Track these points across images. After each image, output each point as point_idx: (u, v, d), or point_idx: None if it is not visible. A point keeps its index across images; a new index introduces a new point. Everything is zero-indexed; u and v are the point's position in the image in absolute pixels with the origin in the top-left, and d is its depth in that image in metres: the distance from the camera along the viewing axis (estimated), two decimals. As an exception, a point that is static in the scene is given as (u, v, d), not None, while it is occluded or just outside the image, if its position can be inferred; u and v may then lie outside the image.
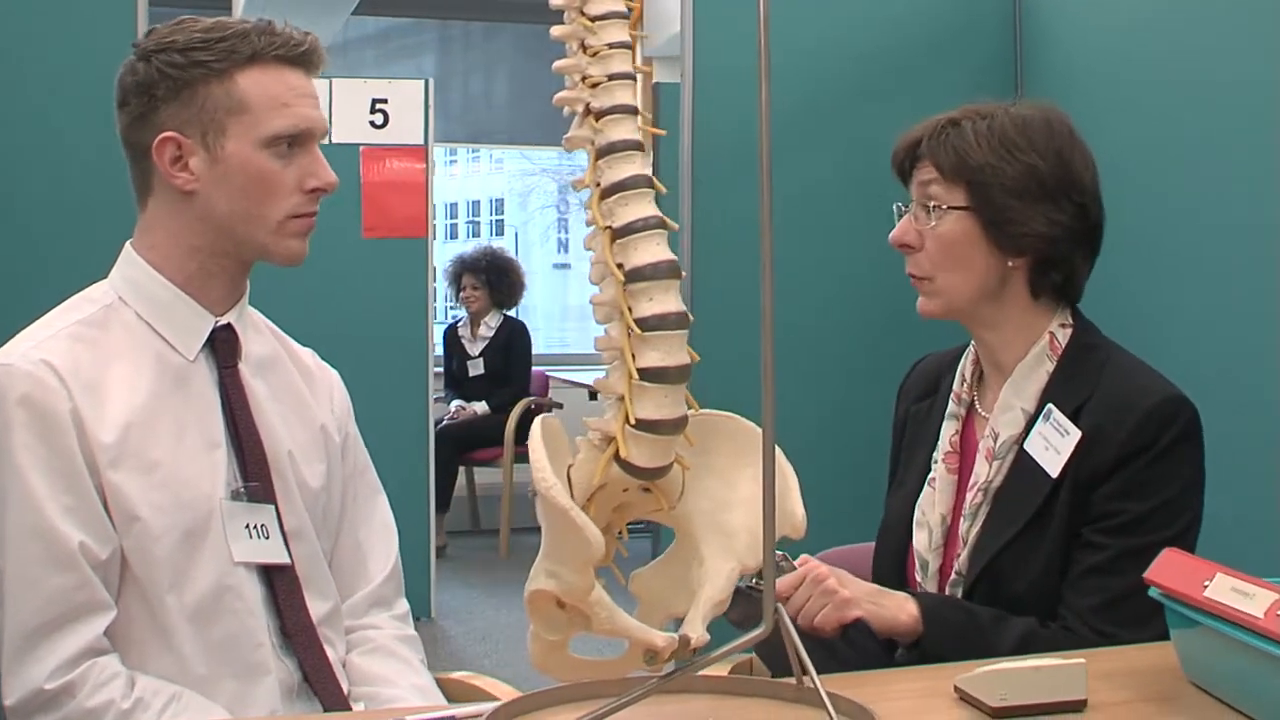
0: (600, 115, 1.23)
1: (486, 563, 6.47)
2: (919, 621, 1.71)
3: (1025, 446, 1.79)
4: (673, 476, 1.26)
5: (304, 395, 1.83)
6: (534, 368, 7.12)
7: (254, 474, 1.70)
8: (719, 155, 3.39)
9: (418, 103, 5.02)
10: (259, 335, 1.81)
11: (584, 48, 1.25)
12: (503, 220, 9.57)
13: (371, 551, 1.88)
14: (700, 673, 1.30)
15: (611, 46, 1.23)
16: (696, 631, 1.24)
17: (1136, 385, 1.78)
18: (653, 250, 1.21)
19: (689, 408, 1.23)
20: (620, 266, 1.21)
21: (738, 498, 1.31)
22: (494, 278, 6.89)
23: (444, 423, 6.51)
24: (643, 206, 1.22)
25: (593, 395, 6.71)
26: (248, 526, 1.67)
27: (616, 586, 1.31)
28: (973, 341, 1.93)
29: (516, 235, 9.33)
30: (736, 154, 3.33)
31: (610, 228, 1.21)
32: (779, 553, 1.73)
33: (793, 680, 1.38)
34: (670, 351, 1.20)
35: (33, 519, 1.54)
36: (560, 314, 8.09)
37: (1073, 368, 1.81)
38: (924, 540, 1.86)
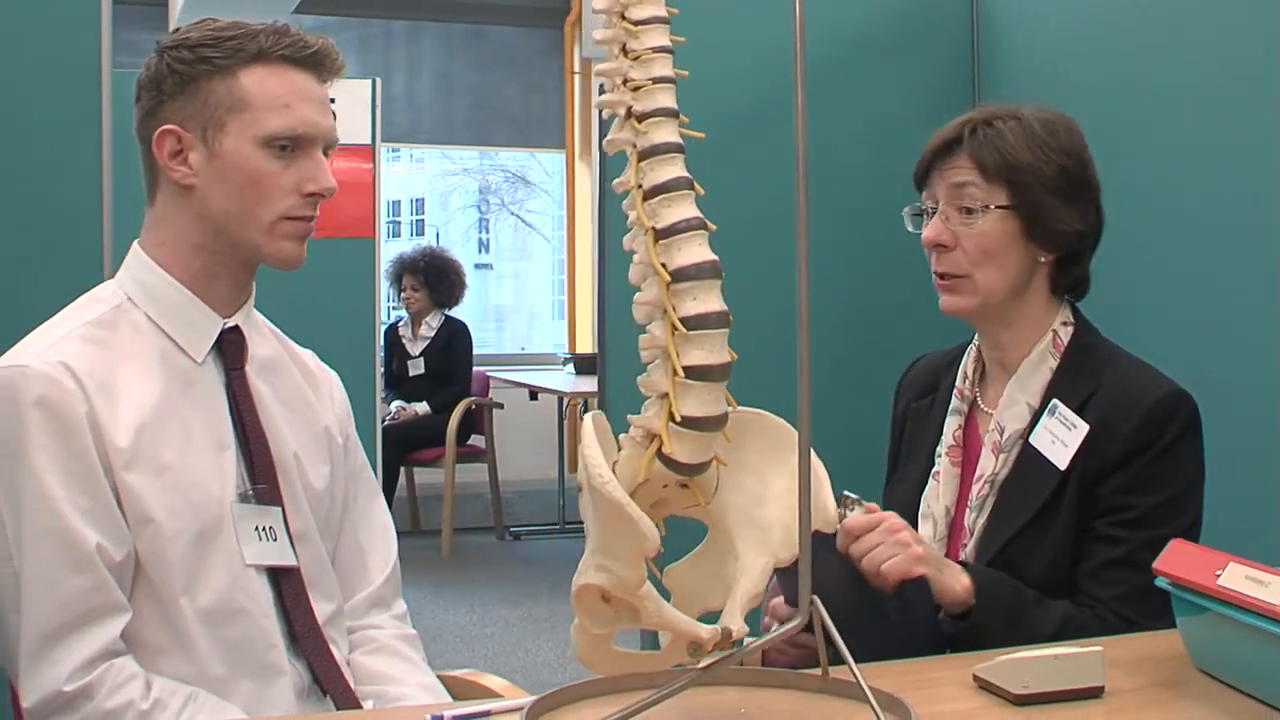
0: (643, 118, 1.25)
1: (429, 563, 6.46)
2: (970, 594, 1.73)
3: (1031, 441, 1.85)
4: (709, 472, 1.28)
5: (308, 397, 1.83)
6: (474, 368, 7.12)
7: (261, 476, 1.70)
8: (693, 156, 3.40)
9: (365, 102, 4.99)
10: (262, 337, 1.81)
11: (625, 51, 1.27)
12: (423, 220, 9.52)
13: (371, 552, 1.88)
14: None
15: (654, 51, 1.26)
16: (736, 623, 1.27)
17: (1139, 381, 1.84)
18: (696, 250, 1.23)
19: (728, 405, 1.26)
20: (664, 266, 1.23)
21: (771, 493, 1.34)
22: (433, 278, 6.88)
23: (385, 423, 6.49)
24: (685, 208, 1.24)
25: (533, 396, 6.73)
26: (257, 529, 1.68)
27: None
28: (975, 339, 1.97)
29: (438, 235, 9.28)
30: (695, 155, 3.35)
31: (654, 229, 1.24)
32: (851, 494, 1.76)
33: (818, 671, 1.41)
34: (713, 350, 1.23)
35: (50, 520, 1.53)
36: (484, 314, 8.09)
37: (1075, 365, 1.87)
38: (929, 531, 1.91)
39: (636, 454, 1.25)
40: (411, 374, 6.81)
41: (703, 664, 1.27)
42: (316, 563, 1.75)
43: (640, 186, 1.25)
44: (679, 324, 1.22)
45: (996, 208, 1.86)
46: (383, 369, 6.67)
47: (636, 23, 1.26)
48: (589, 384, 6.73)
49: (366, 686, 1.76)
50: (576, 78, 8.13)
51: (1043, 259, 1.89)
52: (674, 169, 1.25)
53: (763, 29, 3.41)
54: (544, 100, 8.30)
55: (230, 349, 1.72)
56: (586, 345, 8.00)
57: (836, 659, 1.35)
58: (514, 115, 8.32)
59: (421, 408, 6.71)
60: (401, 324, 6.97)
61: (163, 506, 1.60)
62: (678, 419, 1.22)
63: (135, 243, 1.74)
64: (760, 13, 3.44)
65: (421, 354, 6.86)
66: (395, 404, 6.75)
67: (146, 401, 1.63)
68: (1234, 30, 2.74)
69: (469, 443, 6.86)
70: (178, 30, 1.72)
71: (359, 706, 1.71)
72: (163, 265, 1.70)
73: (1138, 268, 2.76)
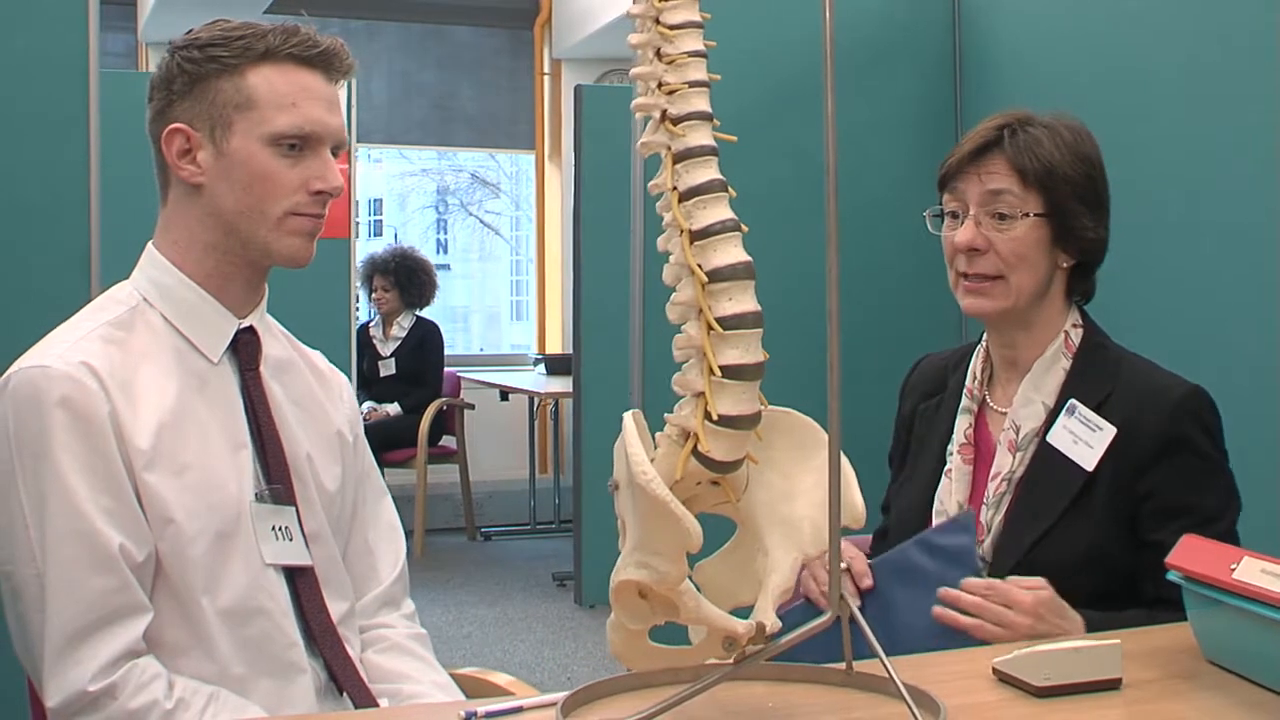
0: (678, 121, 1.27)
1: (401, 564, 6.43)
2: None
3: (1049, 440, 1.88)
4: (740, 470, 1.30)
5: (319, 399, 1.84)
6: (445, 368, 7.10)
7: (276, 476, 1.71)
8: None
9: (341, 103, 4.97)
10: (274, 339, 1.82)
11: (659, 55, 1.28)
12: (381, 221, 9.50)
13: (381, 553, 1.89)
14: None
15: (689, 55, 1.27)
16: (769, 619, 1.29)
17: (1157, 380, 1.90)
18: (731, 251, 1.25)
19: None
20: (700, 267, 1.25)
21: (799, 489, 1.36)
22: (404, 279, 6.86)
23: (356, 424, 6.46)
24: (720, 209, 1.26)
25: (504, 396, 6.71)
26: (273, 528, 1.68)
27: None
28: (984, 340, 2.00)
29: (395, 236, 9.26)
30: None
31: (690, 230, 1.26)
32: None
33: (842, 666, 1.43)
34: (749, 349, 1.25)
35: (74, 522, 1.53)
36: (440, 314, 8.08)
37: (1088, 365, 1.92)
38: None
39: (673, 452, 1.26)
40: (382, 375, 6.79)
41: (734, 659, 1.30)
42: (329, 562, 1.76)
43: (675, 189, 1.27)
44: (715, 324, 1.24)
45: (1033, 215, 1.89)
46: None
47: (671, 27, 1.28)
48: (560, 384, 6.75)
49: (381, 685, 1.77)
50: (546, 79, 8.13)
51: (1064, 264, 1.94)
52: (709, 171, 1.27)
53: (755, 32, 3.44)
54: (512, 101, 8.30)
55: (245, 349, 1.73)
56: (556, 346, 8.01)
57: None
58: (479, 116, 8.31)
59: (393, 408, 6.70)
60: (373, 324, 6.95)
61: (183, 507, 1.60)
62: (714, 417, 1.24)
63: (150, 243, 1.75)
64: (751, 19, 3.47)
65: (393, 355, 6.85)
66: (366, 405, 6.73)
67: (165, 402, 1.63)
68: (1223, 30, 2.78)
69: (440, 443, 6.86)
70: (190, 30, 1.73)
71: (376, 704, 1.72)
72: (177, 265, 1.71)
73: (1131, 269, 2.80)
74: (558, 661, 4.87)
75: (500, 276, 9.23)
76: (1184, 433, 1.83)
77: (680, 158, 1.27)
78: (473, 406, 7.02)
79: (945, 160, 1.97)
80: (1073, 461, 1.85)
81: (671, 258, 1.28)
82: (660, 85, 1.28)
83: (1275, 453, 2.51)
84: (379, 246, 7.59)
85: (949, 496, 1.95)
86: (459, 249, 9.40)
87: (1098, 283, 2.01)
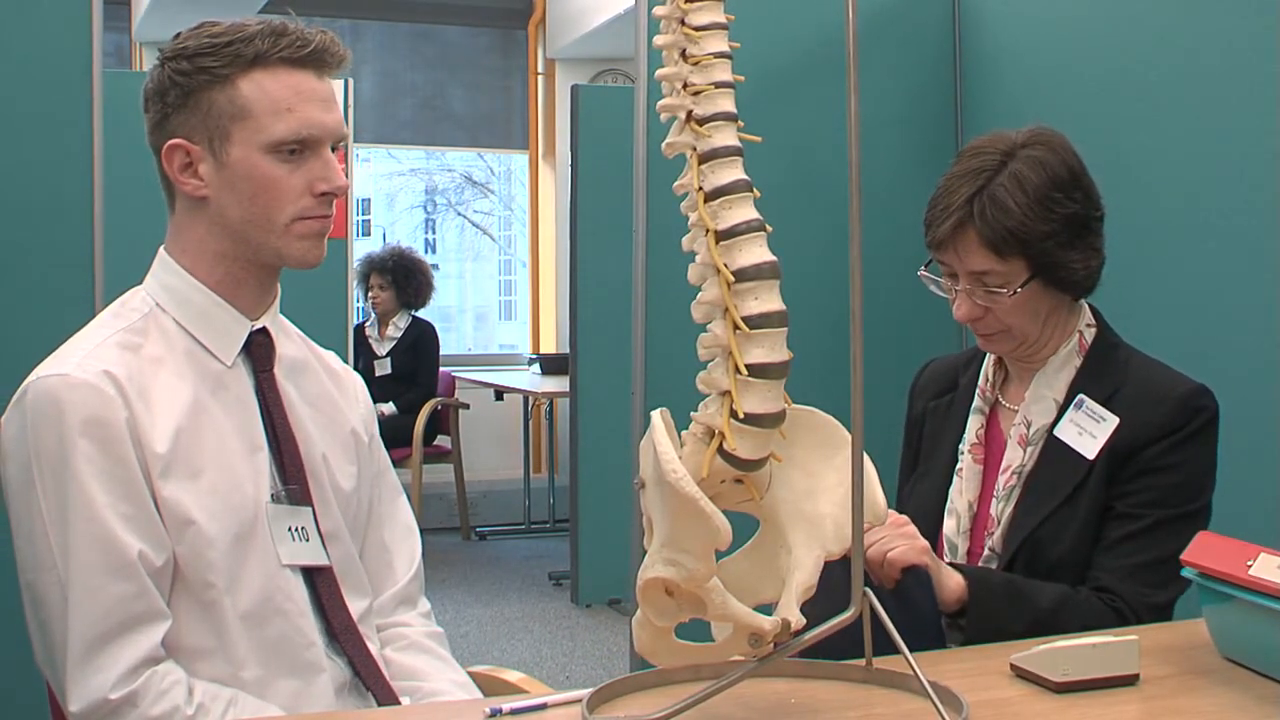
0: (704, 121, 1.28)
1: (397, 564, 6.42)
2: (964, 589, 1.81)
3: (1056, 433, 1.93)
4: (764, 468, 1.32)
5: (334, 399, 1.84)
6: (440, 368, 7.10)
7: (292, 477, 1.71)
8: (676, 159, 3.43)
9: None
10: (289, 339, 1.82)
11: (685, 56, 1.29)
12: (369, 220, 9.50)
13: (397, 551, 1.90)
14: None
15: (715, 56, 1.29)
16: (794, 615, 1.30)
17: (1164, 378, 1.94)
18: (756, 251, 1.27)
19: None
20: (726, 267, 1.26)
21: (821, 487, 1.37)
22: (401, 278, 6.85)
23: (351, 424, 6.44)
24: (746, 210, 1.28)
25: (499, 396, 6.68)
26: (290, 529, 1.69)
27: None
28: None
29: (384, 236, 9.26)
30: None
31: (715, 230, 1.27)
32: None
33: (862, 662, 1.45)
34: (774, 348, 1.26)
35: (94, 528, 1.54)
36: (430, 315, 8.12)
37: (1098, 363, 1.96)
38: (953, 526, 1.99)
39: (698, 450, 1.28)
40: (378, 374, 6.77)
41: (758, 655, 1.31)
42: (347, 561, 1.77)
43: (701, 189, 1.28)
44: (741, 323, 1.25)
45: (1020, 285, 1.91)
46: (349, 369, 6.65)
47: (696, 28, 1.29)
48: (555, 384, 6.75)
49: (401, 682, 1.78)
50: (540, 79, 8.14)
51: (1063, 294, 1.97)
52: (734, 172, 1.28)
53: (753, 22, 3.44)
54: (504, 100, 8.30)
55: (259, 351, 1.73)
56: (549, 346, 8.01)
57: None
58: (468, 115, 8.31)
59: (388, 408, 6.69)
60: (368, 324, 6.94)
61: (203, 508, 1.60)
62: (740, 415, 1.25)
63: (161, 248, 1.74)
64: (752, 7, 3.47)
65: (389, 354, 6.84)
66: (361, 404, 6.71)
67: (181, 406, 1.63)
68: (1223, 30, 2.79)
69: (434, 443, 6.85)
70: (178, 36, 1.70)
71: (398, 702, 1.73)
72: (189, 270, 1.71)
73: (1130, 269, 2.81)
74: (556, 661, 4.87)
75: (489, 276, 9.23)
76: (1180, 424, 1.88)
77: (706, 158, 1.28)
78: (468, 406, 7.02)
79: (926, 222, 1.96)
80: (1076, 452, 1.90)
81: (697, 257, 1.29)
82: (685, 86, 1.29)
83: (1275, 452, 2.52)
84: (368, 246, 7.59)
85: (959, 496, 2.00)
86: (447, 249, 9.40)
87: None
